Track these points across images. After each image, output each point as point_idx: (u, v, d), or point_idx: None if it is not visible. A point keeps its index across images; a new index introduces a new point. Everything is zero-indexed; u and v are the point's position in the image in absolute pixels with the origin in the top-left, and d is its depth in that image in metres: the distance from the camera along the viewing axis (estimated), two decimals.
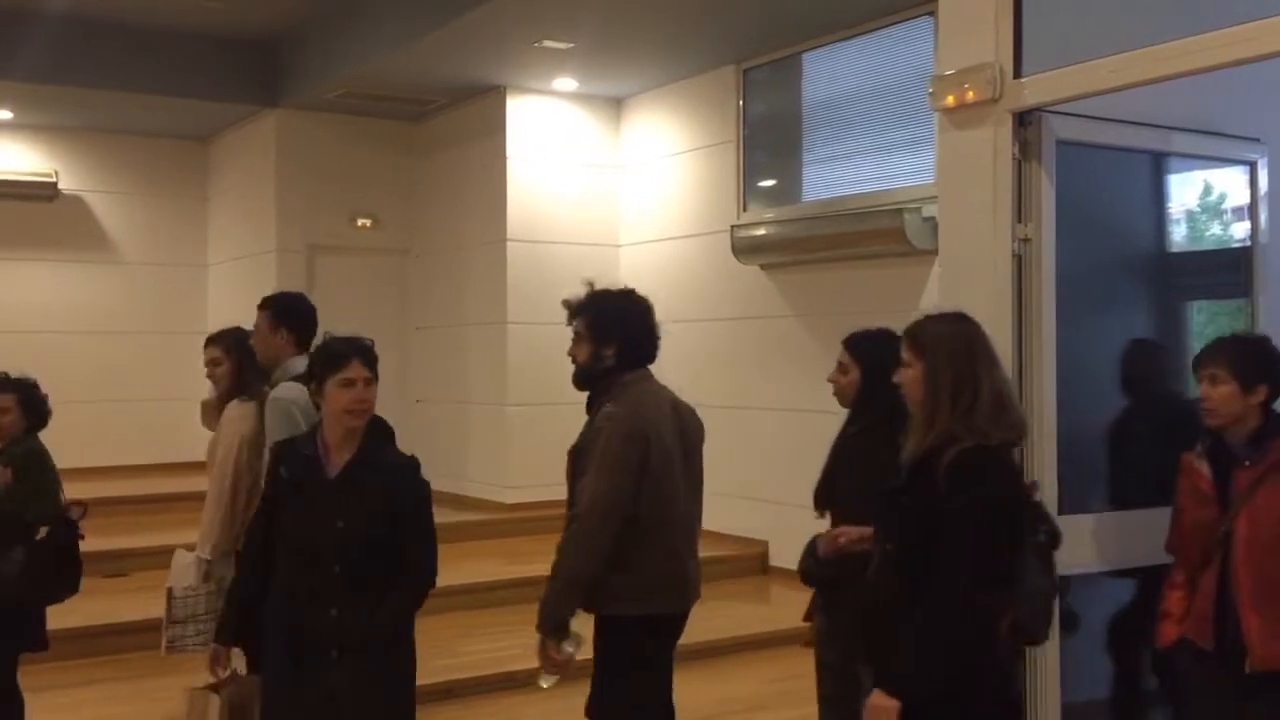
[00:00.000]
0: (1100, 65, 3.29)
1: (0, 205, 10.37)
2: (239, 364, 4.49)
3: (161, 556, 6.71)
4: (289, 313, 4.32)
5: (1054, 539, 2.84)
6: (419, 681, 5.58)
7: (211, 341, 4.62)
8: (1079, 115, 3.54)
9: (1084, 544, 3.56)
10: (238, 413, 4.38)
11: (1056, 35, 3.50)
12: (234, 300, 10.74)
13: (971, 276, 3.59)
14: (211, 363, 4.56)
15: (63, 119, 10.31)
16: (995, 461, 2.64)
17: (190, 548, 4.43)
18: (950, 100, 3.61)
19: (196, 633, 4.32)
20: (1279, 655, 3.06)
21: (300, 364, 3.96)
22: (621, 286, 3.55)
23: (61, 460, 4.53)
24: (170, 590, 4.33)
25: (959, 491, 2.57)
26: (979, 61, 3.55)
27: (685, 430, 3.59)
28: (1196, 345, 4.35)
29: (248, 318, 10.43)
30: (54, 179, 10.53)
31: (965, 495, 2.56)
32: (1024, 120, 3.50)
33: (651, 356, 3.55)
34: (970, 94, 3.54)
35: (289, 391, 3.99)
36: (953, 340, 2.75)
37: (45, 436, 4.55)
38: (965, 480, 2.57)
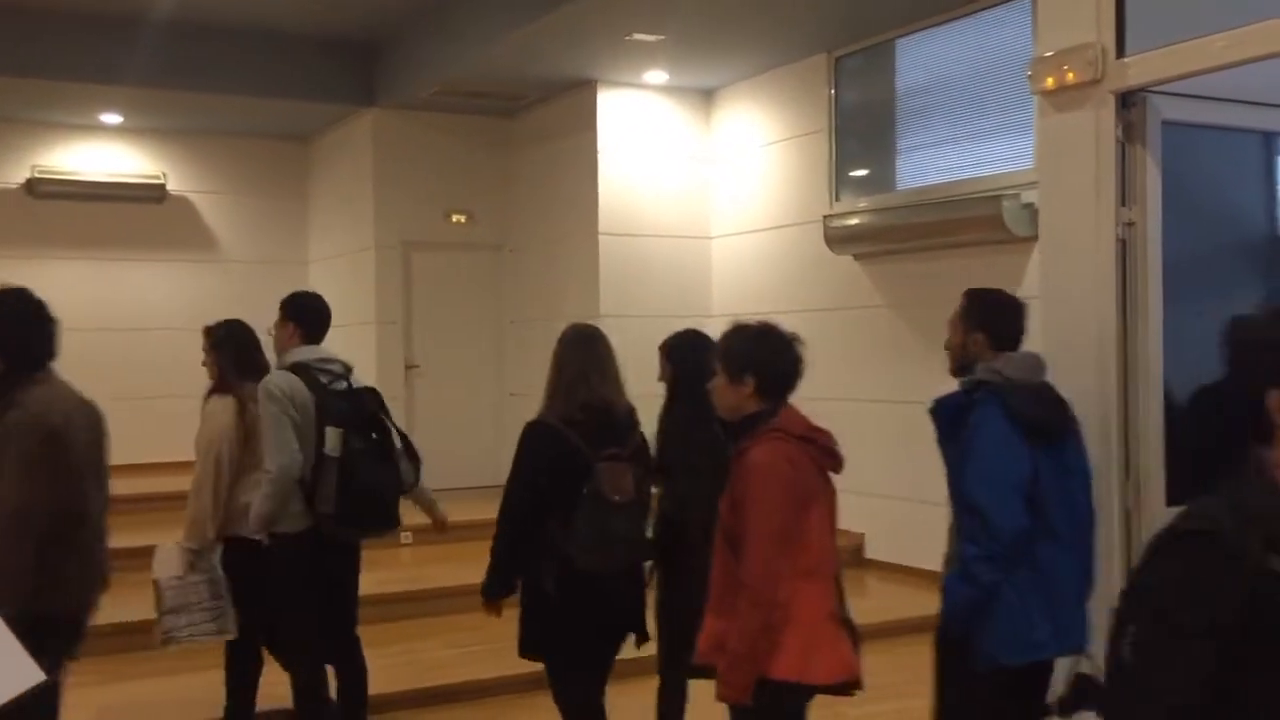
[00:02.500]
0: (1208, 43, 3.19)
1: (112, 207, 10.75)
2: (221, 358, 4.68)
3: None
4: (300, 311, 4.52)
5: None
6: (473, 676, 5.59)
7: (204, 334, 4.82)
8: (1184, 95, 3.44)
9: None
10: (218, 406, 4.56)
11: (1159, 14, 3.41)
12: (334, 295, 10.90)
13: (1074, 262, 3.52)
14: (205, 354, 4.76)
15: (170, 122, 10.63)
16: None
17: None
18: (1050, 83, 3.54)
19: (189, 624, 4.40)
20: None
21: (300, 354, 4.30)
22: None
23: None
24: (157, 582, 4.41)
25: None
26: (1080, 42, 3.47)
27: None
28: None
29: (348, 312, 10.78)
30: (162, 181, 10.87)
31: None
32: (1127, 101, 3.41)
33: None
34: (1070, 75, 3.46)
35: (274, 377, 4.25)
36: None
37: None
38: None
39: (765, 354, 3.04)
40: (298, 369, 4.25)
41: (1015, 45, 6.94)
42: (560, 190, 9.73)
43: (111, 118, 10.40)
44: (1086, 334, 3.39)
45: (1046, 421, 3.17)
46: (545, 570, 3.59)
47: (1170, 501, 3.41)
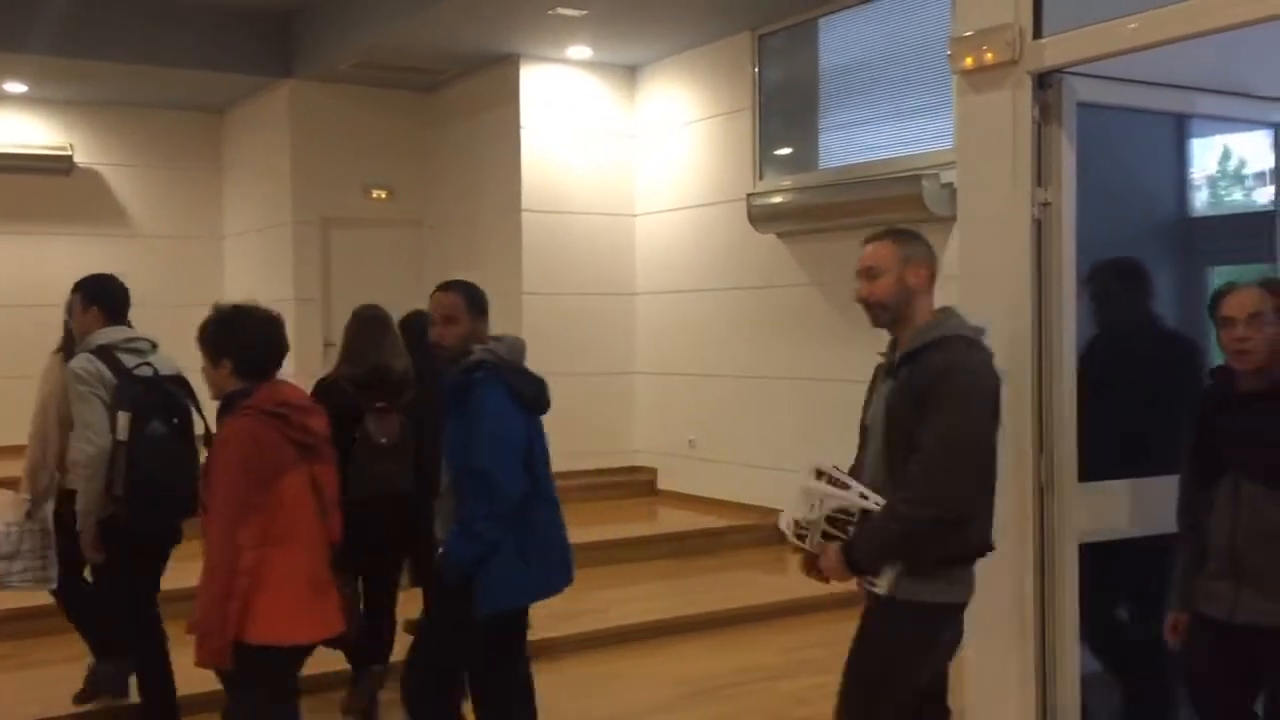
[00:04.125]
0: (1122, 24, 3.22)
1: (17, 179, 10.40)
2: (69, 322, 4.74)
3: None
4: (100, 293, 4.55)
5: None
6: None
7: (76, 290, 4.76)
8: (1100, 77, 3.47)
9: (1104, 512, 3.52)
10: (52, 363, 4.68)
11: None
12: (250, 272, 10.76)
13: (990, 242, 3.55)
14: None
15: (77, 92, 10.31)
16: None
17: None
18: (969, 62, 3.56)
19: (22, 569, 4.50)
20: None
21: (105, 336, 4.36)
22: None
23: None
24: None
25: None
26: (998, 22, 3.49)
27: None
28: None
29: (264, 289, 10.55)
30: (69, 152, 10.55)
31: None
32: (1044, 82, 3.44)
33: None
34: (989, 55, 3.48)
35: (79, 360, 4.30)
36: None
37: None
38: None
39: (239, 336, 3.23)
40: (101, 352, 4.27)
41: (936, 26, 6.99)
42: (482, 166, 9.62)
43: (15, 87, 10.06)
44: (1002, 313, 3.43)
45: (536, 396, 3.66)
46: None
47: (1083, 477, 3.47)
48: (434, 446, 4.06)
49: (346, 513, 3.57)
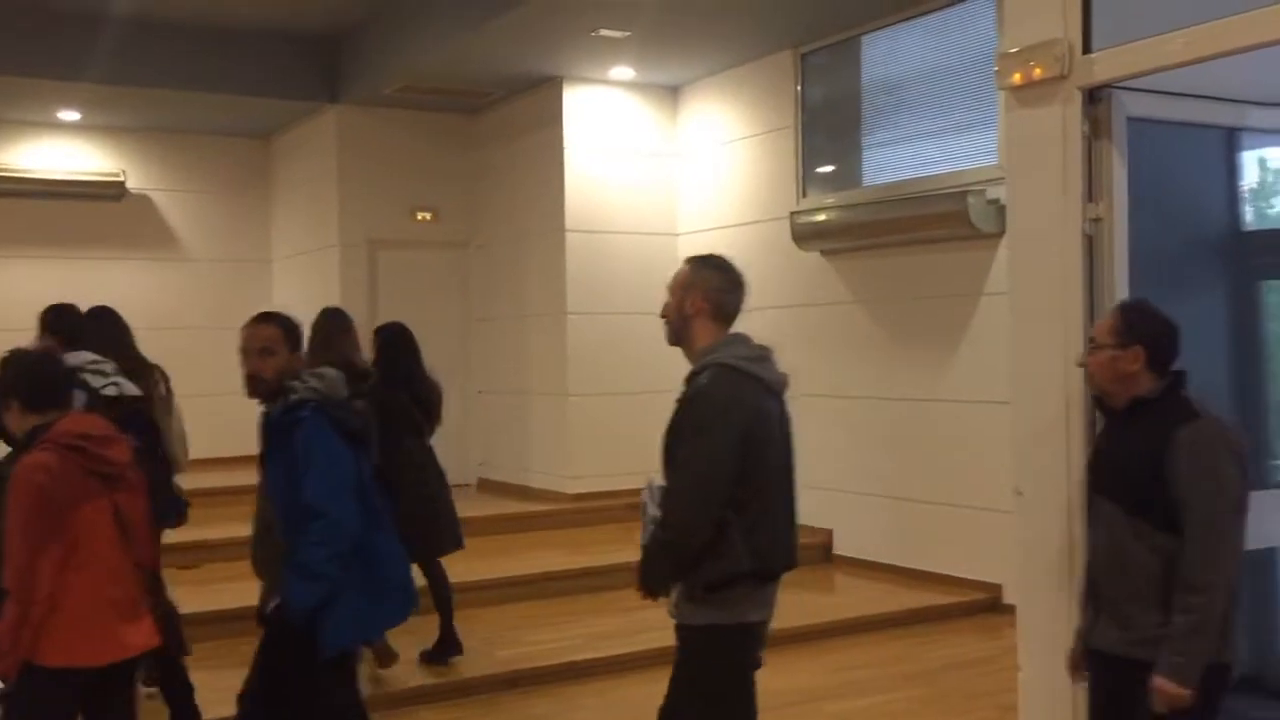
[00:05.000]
0: (1172, 39, 3.20)
1: (70, 205, 10.59)
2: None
3: (229, 549, 6.87)
4: (57, 321, 4.98)
5: None
6: (482, 671, 5.65)
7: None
8: (1150, 91, 3.45)
9: None
10: None
11: (1126, 10, 3.42)
12: (298, 294, 10.87)
13: (1040, 257, 3.52)
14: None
15: (129, 120, 10.49)
16: None
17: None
18: (1017, 78, 3.54)
19: None
20: None
21: (70, 360, 4.33)
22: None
23: None
24: None
25: None
26: (1046, 38, 3.47)
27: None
28: (1276, 325, 4.25)
29: (312, 311, 10.59)
30: (121, 178, 10.72)
31: None
32: (1094, 97, 3.42)
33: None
34: (1037, 71, 3.46)
35: None
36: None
37: None
38: None
39: (25, 377, 3.34)
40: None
41: (979, 41, 6.97)
42: (526, 187, 9.68)
43: (70, 115, 10.25)
44: (1054, 328, 3.40)
45: (362, 429, 3.64)
46: None
47: None
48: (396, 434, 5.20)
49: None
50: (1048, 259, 3.49)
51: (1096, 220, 3.41)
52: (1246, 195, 4.29)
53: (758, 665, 3.28)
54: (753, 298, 9.65)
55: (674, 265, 11.08)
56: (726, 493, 2.97)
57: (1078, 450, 3.44)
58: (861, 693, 5.48)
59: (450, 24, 8.18)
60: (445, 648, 5.72)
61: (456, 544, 5.76)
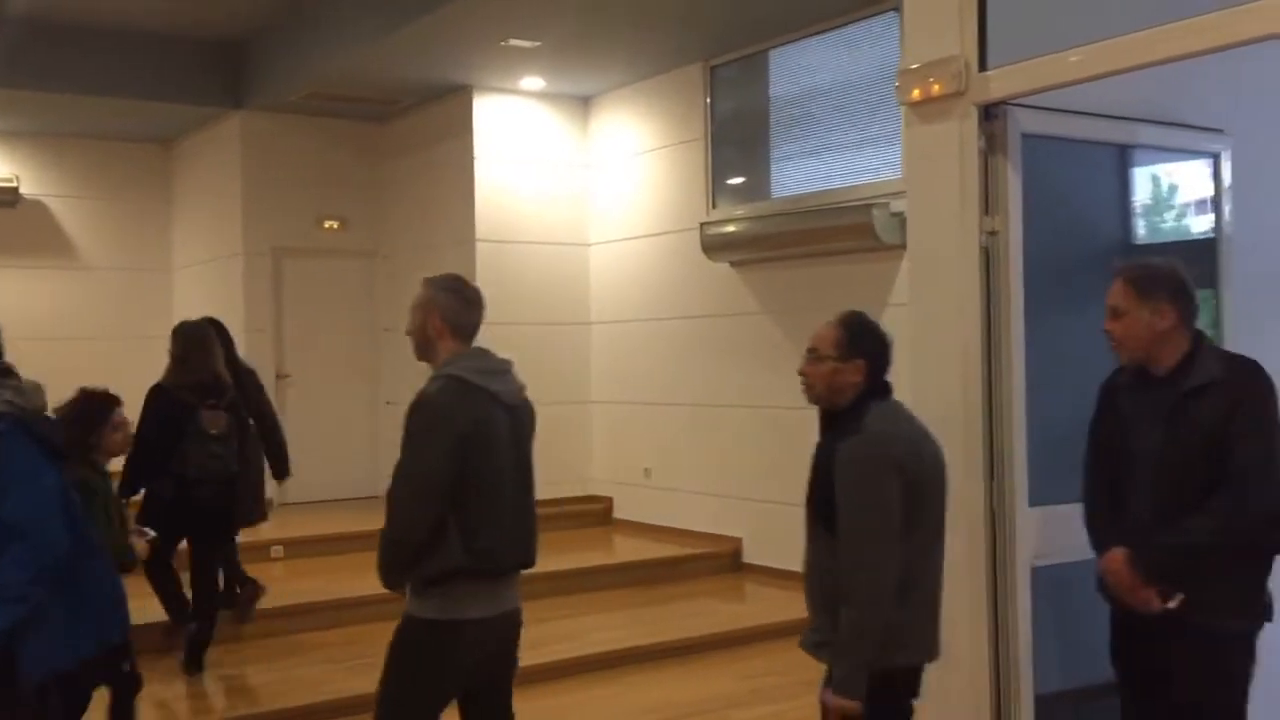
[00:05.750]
0: (1065, 57, 3.30)
1: None
2: None
3: None
4: None
5: None
6: (346, 692, 5.55)
7: None
8: (1044, 108, 3.54)
9: (1053, 536, 3.56)
10: None
11: (1022, 28, 3.51)
12: (201, 303, 10.62)
13: (939, 270, 3.60)
14: None
15: (22, 124, 10.19)
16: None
17: None
18: (916, 94, 3.62)
19: None
20: None
21: None
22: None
23: None
24: None
25: None
26: (944, 55, 3.55)
27: None
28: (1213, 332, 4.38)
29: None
30: (15, 184, 10.41)
31: None
32: (990, 113, 3.50)
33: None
34: (936, 88, 3.54)
35: None
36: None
37: None
38: None
39: None
40: None
41: (885, 56, 7.10)
42: (436, 196, 9.61)
43: None
44: (952, 340, 3.48)
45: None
46: (165, 480, 5.57)
47: (1033, 502, 3.51)
48: (247, 435, 5.87)
49: (185, 489, 5.36)
50: (945, 271, 3.56)
51: (993, 233, 3.49)
52: (1139, 210, 4.43)
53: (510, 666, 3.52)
54: (663, 308, 9.72)
55: (586, 276, 11.14)
56: (443, 494, 3.18)
57: (978, 461, 3.51)
58: (769, 699, 5.52)
59: (357, 31, 8.09)
60: (245, 592, 6.19)
61: (248, 520, 6.16)
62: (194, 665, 5.79)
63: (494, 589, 3.29)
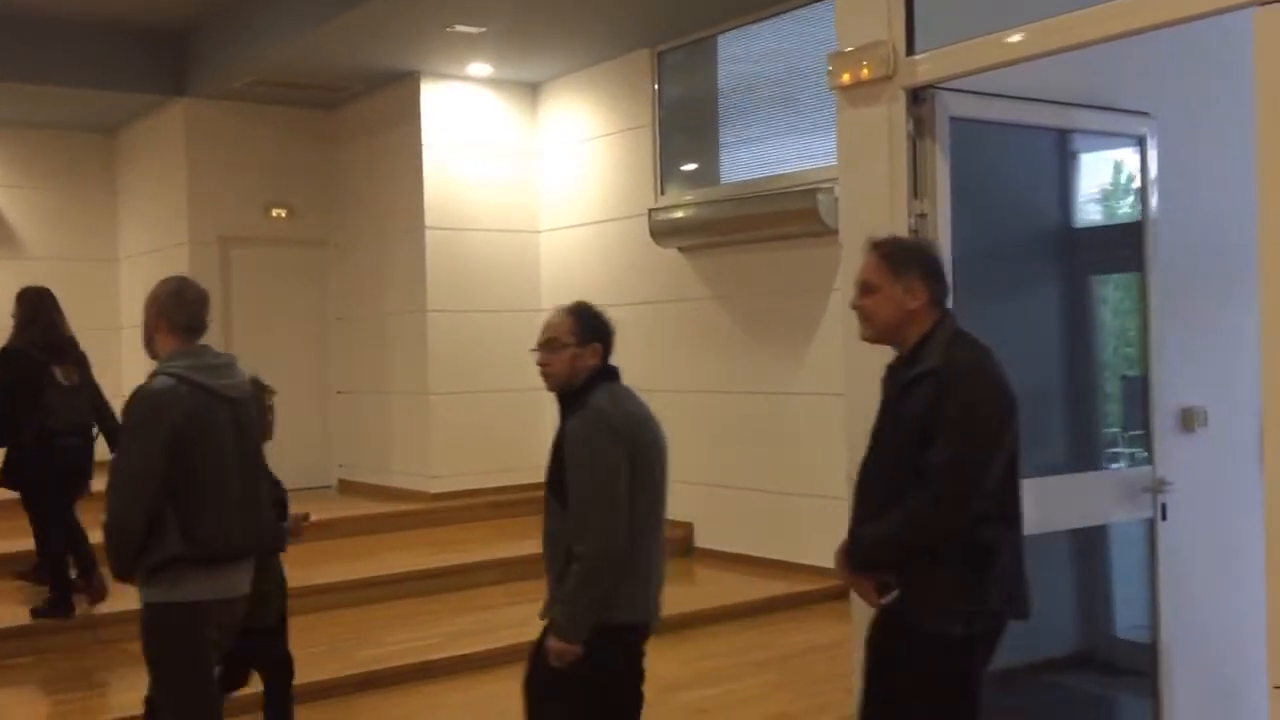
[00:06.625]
0: (983, 43, 3.34)
1: None
2: None
3: None
4: None
5: None
6: (340, 673, 5.60)
7: None
8: (972, 92, 3.58)
9: None
10: None
11: (951, 14, 3.55)
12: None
13: None
14: None
15: None
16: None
17: None
18: (846, 78, 3.65)
19: None
20: None
21: None
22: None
23: None
24: None
25: None
26: (873, 40, 3.58)
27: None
28: (1114, 318, 4.46)
29: None
30: None
31: None
32: (918, 97, 3.53)
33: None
34: (865, 72, 3.57)
35: None
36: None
37: None
38: None
39: None
40: None
41: (831, 43, 7.12)
42: (385, 184, 9.56)
43: None
44: None
45: None
46: (28, 433, 5.92)
47: None
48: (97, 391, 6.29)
49: (49, 440, 5.77)
50: None
51: (922, 216, 3.53)
52: (1098, 196, 4.48)
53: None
54: (611, 294, 9.76)
55: (536, 262, 11.08)
56: (155, 486, 3.33)
57: None
58: (715, 681, 5.58)
59: (300, 17, 8.02)
60: (58, 604, 6.09)
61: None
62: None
63: (220, 574, 3.45)
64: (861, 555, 3.04)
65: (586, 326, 3.31)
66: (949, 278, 3.09)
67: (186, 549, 3.34)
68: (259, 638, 4.09)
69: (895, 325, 3.03)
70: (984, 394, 2.91)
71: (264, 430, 4.11)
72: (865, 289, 3.05)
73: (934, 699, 3.00)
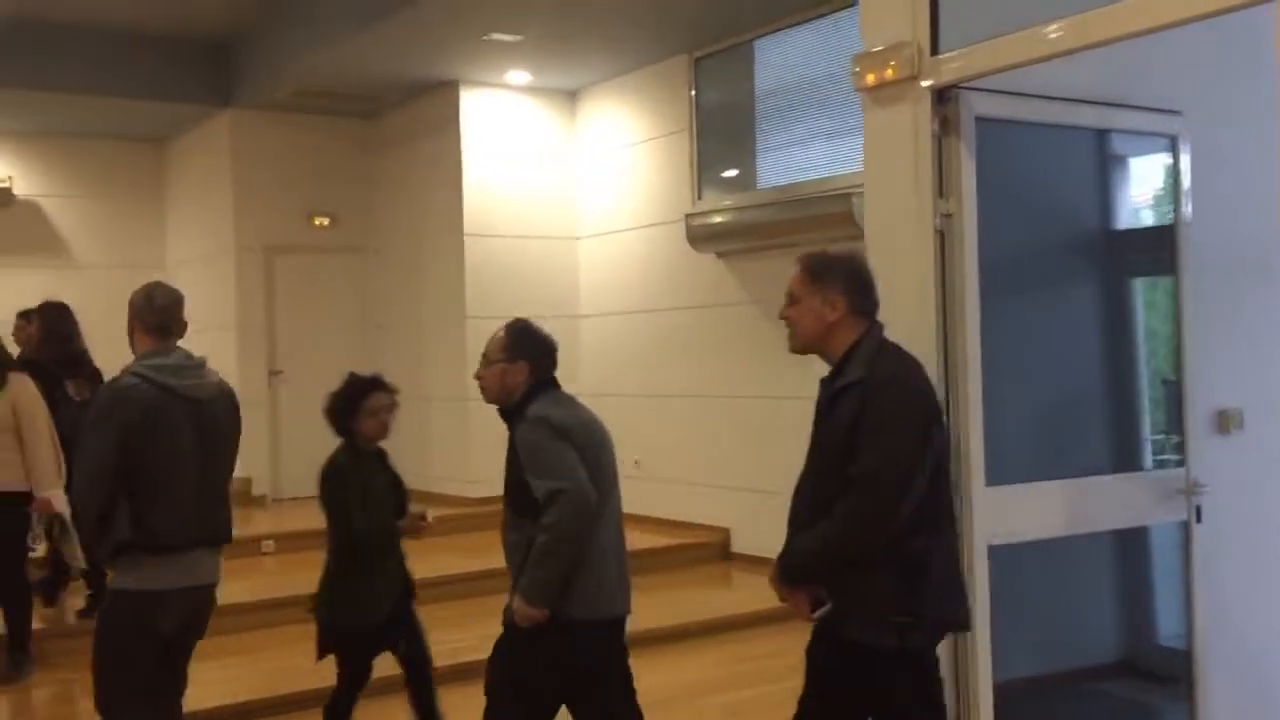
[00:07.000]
0: (1004, 42, 3.32)
1: None
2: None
3: None
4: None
5: None
6: (378, 673, 5.66)
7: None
8: (997, 91, 3.56)
9: (1010, 515, 3.59)
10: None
11: (976, 13, 3.53)
12: (194, 300, 10.65)
13: (896, 253, 3.62)
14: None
15: (16, 124, 10.26)
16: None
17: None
18: (871, 79, 3.65)
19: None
20: None
21: None
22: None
23: None
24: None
25: None
26: (897, 40, 3.58)
27: None
28: (1155, 319, 4.41)
29: (208, 317, 10.60)
30: (8, 184, 10.49)
31: None
32: (943, 97, 3.52)
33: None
34: (889, 72, 3.57)
35: None
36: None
37: None
38: None
39: None
40: None
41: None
42: (424, 192, 9.66)
43: None
44: (909, 321, 3.50)
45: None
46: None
47: (990, 482, 3.54)
48: None
49: (68, 450, 5.33)
50: (902, 253, 3.59)
51: (947, 216, 3.52)
52: (1131, 196, 4.43)
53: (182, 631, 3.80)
54: (649, 299, 9.74)
55: (575, 269, 11.14)
56: (109, 476, 3.53)
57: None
58: (750, 684, 5.57)
59: (340, 27, 8.14)
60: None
61: None
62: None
63: (172, 563, 3.61)
64: (793, 569, 3.05)
65: (515, 344, 3.51)
66: (876, 291, 3.12)
67: (135, 536, 3.54)
68: (386, 633, 4.33)
69: (816, 336, 3.09)
70: (905, 405, 2.94)
71: (379, 430, 4.42)
72: (789, 300, 3.15)
73: (868, 712, 3.02)
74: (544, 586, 3.31)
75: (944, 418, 3.07)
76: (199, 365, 3.78)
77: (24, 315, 6.66)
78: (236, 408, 3.92)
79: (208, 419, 3.69)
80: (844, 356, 3.03)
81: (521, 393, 3.47)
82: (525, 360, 3.49)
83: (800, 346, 3.15)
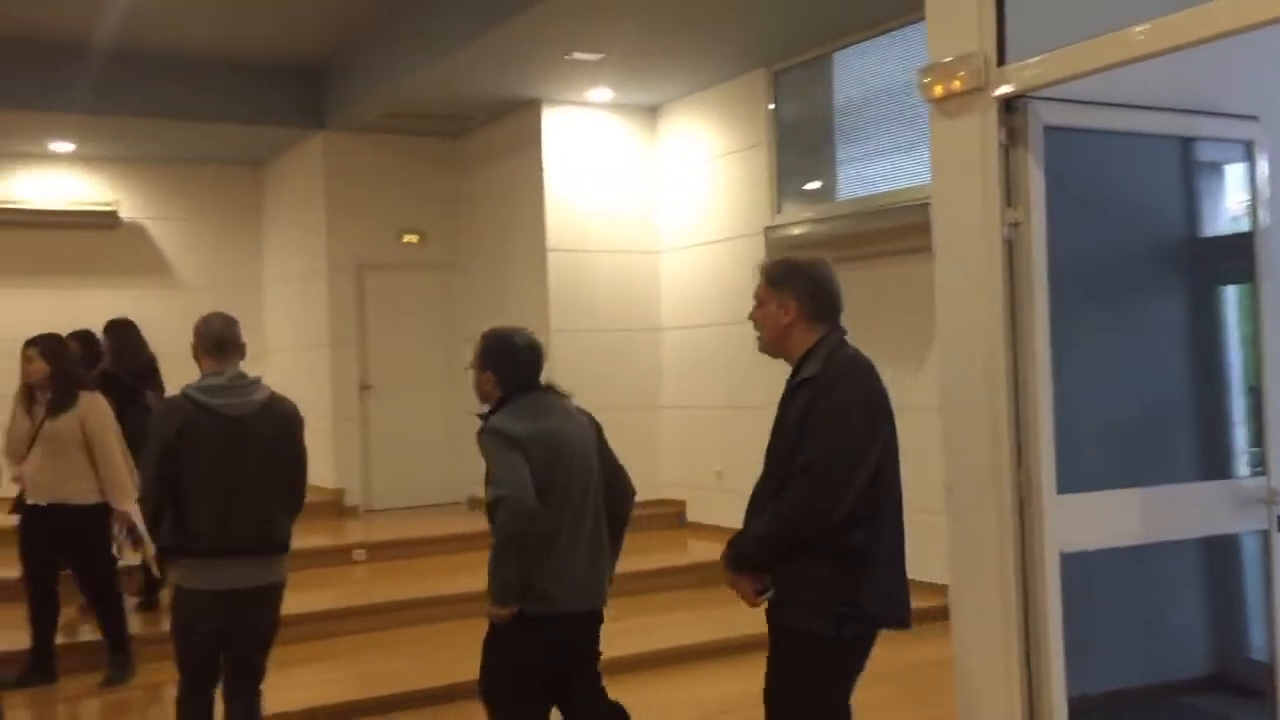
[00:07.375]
0: (1069, 52, 3.33)
1: (65, 235, 10.81)
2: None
3: None
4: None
5: None
6: (424, 684, 5.80)
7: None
8: (1066, 100, 3.57)
9: (1082, 523, 3.59)
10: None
11: (1043, 23, 3.54)
12: (288, 318, 11.05)
13: (964, 262, 3.64)
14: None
15: (121, 150, 10.70)
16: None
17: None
18: (939, 90, 3.67)
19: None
20: None
21: None
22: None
23: None
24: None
25: None
26: (964, 51, 3.61)
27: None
28: (1249, 326, 4.34)
29: (302, 334, 10.94)
30: (114, 208, 10.93)
31: None
32: (1010, 107, 3.54)
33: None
34: (957, 83, 3.59)
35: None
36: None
37: None
38: None
39: None
40: None
41: None
42: (509, 208, 9.85)
43: (62, 146, 10.46)
44: (978, 330, 3.52)
45: None
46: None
47: (1061, 490, 3.54)
48: None
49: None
50: (970, 263, 3.61)
51: (1015, 225, 3.53)
52: (1208, 204, 4.38)
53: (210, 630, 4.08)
54: (729, 312, 9.76)
55: (657, 282, 11.17)
56: (157, 485, 3.88)
57: (1005, 450, 3.56)
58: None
59: (427, 51, 8.36)
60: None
61: None
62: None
63: (213, 567, 3.92)
64: (739, 556, 3.19)
65: (482, 354, 3.84)
66: (836, 298, 3.33)
67: (178, 541, 3.92)
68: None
69: (774, 338, 3.31)
70: (851, 400, 3.08)
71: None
72: (755, 303, 3.36)
73: (798, 696, 3.12)
74: (501, 585, 3.57)
75: (894, 419, 3.24)
76: (247, 385, 4.07)
77: (32, 344, 5.84)
78: (289, 422, 4.17)
79: (249, 435, 3.97)
80: (802, 357, 3.22)
81: (494, 400, 3.76)
82: (490, 370, 3.78)
83: (765, 347, 3.37)
